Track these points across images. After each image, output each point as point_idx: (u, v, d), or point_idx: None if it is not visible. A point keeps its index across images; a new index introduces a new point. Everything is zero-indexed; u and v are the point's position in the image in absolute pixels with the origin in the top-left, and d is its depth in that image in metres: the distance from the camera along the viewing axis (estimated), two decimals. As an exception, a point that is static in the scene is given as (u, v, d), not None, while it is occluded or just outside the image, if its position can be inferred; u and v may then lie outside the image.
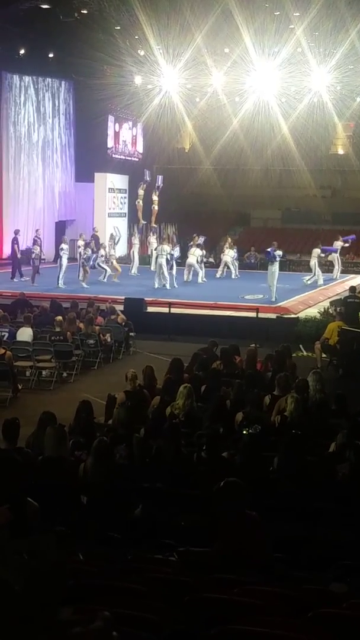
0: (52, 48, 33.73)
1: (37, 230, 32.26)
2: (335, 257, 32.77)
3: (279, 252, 26.34)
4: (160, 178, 35.36)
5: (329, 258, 33.43)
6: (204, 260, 30.82)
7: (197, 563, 5.84)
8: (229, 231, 37.77)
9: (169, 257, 27.73)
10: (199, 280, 29.68)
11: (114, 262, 30.23)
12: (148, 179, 35.39)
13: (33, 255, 28.66)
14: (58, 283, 27.19)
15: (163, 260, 27.57)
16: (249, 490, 6.28)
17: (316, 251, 30.38)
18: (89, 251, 28.66)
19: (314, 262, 30.23)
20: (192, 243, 30.67)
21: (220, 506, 6.17)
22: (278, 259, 26.08)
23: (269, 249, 27.39)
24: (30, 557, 3.81)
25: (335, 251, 32.21)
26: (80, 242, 29.61)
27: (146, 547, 6.49)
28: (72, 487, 7.46)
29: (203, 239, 31.45)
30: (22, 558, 3.77)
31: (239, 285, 28.27)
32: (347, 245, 33.30)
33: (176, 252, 28.61)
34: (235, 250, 32.22)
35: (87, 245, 29.02)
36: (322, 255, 30.77)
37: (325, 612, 4.64)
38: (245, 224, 38.65)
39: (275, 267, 25.86)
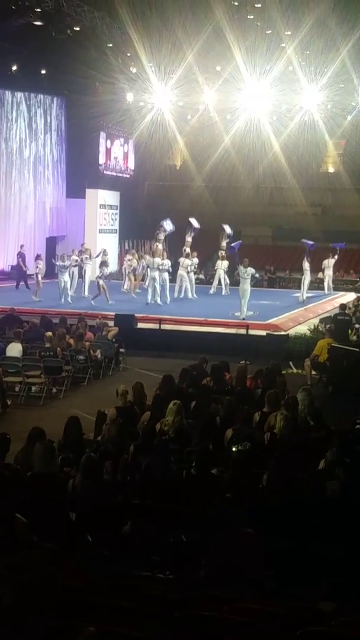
0: (44, 64, 33.85)
1: (21, 246, 32.39)
2: (327, 274, 32.89)
3: (252, 270, 26.04)
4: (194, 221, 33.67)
5: (319, 276, 33.52)
6: (194, 270, 30.61)
7: (188, 580, 5.82)
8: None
9: (160, 267, 27.76)
10: (190, 296, 29.67)
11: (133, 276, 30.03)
12: (168, 229, 32.38)
13: (37, 270, 28.71)
14: (67, 299, 27.34)
15: (156, 274, 27.57)
16: (240, 507, 6.27)
17: (250, 270, 27.16)
18: (105, 269, 28.75)
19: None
20: (184, 248, 30.66)
21: (216, 523, 6.16)
22: (247, 276, 25.79)
23: (233, 244, 27.41)
24: (20, 573, 3.79)
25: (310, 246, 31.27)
26: (74, 257, 29.56)
27: (135, 563, 6.47)
28: (61, 503, 7.43)
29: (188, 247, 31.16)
30: (12, 573, 3.75)
31: (229, 302, 28.29)
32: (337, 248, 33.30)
33: (167, 263, 28.69)
34: (227, 262, 31.95)
35: (103, 263, 28.88)
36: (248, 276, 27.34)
37: (314, 630, 4.62)
38: (236, 241, 38.57)
39: (247, 284, 25.63)
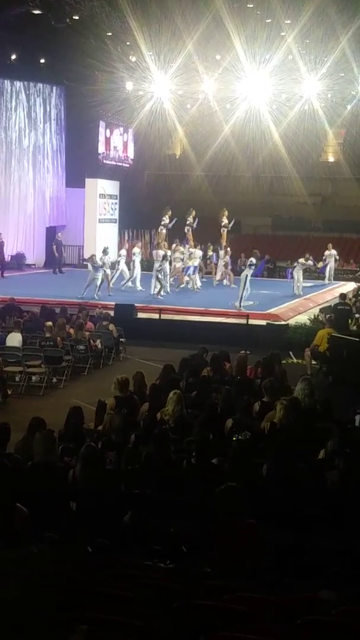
0: (43, 53, 33.74)
1: None
2: (329, 263, 32.82)
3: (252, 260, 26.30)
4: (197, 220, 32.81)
5: (319, 265, 33.45)
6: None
7: (188, 570, 5.83)
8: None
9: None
10: (192, 286, 29.42)
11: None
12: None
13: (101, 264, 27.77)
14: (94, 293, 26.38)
15: (157, 265, 27.51)
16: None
17: (251, 260, 27.09)
18: (166, 264, 28.11)
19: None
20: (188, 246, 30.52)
21: (218, 512, 6.17)
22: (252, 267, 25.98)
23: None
24: (24, 567, 3.79)
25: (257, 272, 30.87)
26: (123, 252, 29.32)
27: (135, 553, 6.48)
28: (62, 493, 7.43)
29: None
30: (16, 567, 3.74)
31: (230, 292, 28.27)
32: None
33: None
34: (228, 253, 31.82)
35: (164, 257, 27.99)
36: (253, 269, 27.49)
37: (315, 619, 4.63)
38: (236, 231, 38.73)
39: (250, 272, 25.83)
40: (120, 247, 33.59)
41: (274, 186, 43.92)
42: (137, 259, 29.37)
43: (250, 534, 6.03)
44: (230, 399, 11.41)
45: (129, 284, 28.92)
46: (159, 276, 27.35)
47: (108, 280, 27.12)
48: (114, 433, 9.81)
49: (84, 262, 26.76)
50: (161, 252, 27.70)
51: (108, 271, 27.27)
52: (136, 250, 29.54)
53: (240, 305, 24.70)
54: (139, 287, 28.73)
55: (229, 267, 31.73)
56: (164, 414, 10.51)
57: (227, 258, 31.68)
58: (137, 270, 29.15)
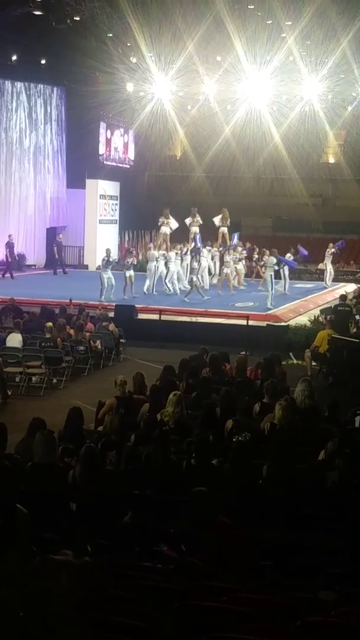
0: (44, 54, 33.74)
1: (9, 236, 32.39)
2: (327, 265, 32.70)
3: (273, 260, 26.56)
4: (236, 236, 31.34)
5: (320, 266, 33.43)
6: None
7: (187, 570, 5.83)
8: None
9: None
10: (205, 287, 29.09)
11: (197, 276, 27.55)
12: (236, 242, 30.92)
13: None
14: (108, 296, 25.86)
15: (172, 265, 27.47)
16: (238, 497, 6.29)
17: (272, 260, 27.59)
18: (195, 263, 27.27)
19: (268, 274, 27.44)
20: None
21: (192, 516, 6.21)
22: (272, 265, 26.23)
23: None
24: (36, 581, 3.79)
25: (293, 266, 30.51)
26: (161, 252, 28.80)
27: (135, 554, 6.48)
28: (62, 493, 7.43)
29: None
30: (29, 581, 3.74)
31: (229, 294, 28.21)
32: (336, 252, 32.96)
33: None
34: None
35: (193, 258, 27.27)
36: (277, 268, 27.87)
37: (314, 620, 4.63)
38: (236, 231, 38.62)
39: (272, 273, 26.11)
40: (121, 249, 33.67)
41: (274, 187, 43.95)
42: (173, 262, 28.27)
43: (227, 533, 6.06)
44: (229, 399, 11.41)
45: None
46: (194, 278, 26.93)
47: (129, 283, 26.46)
48: (114, 434, 9.81)
49: (108, 261, 25.92)
50: (173, 253, 27.67)
51: (132, 273, 26.49)
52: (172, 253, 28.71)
53: (270, 305, 25.02)
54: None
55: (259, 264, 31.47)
56: (164, 415, 10.52)
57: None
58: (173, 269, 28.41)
